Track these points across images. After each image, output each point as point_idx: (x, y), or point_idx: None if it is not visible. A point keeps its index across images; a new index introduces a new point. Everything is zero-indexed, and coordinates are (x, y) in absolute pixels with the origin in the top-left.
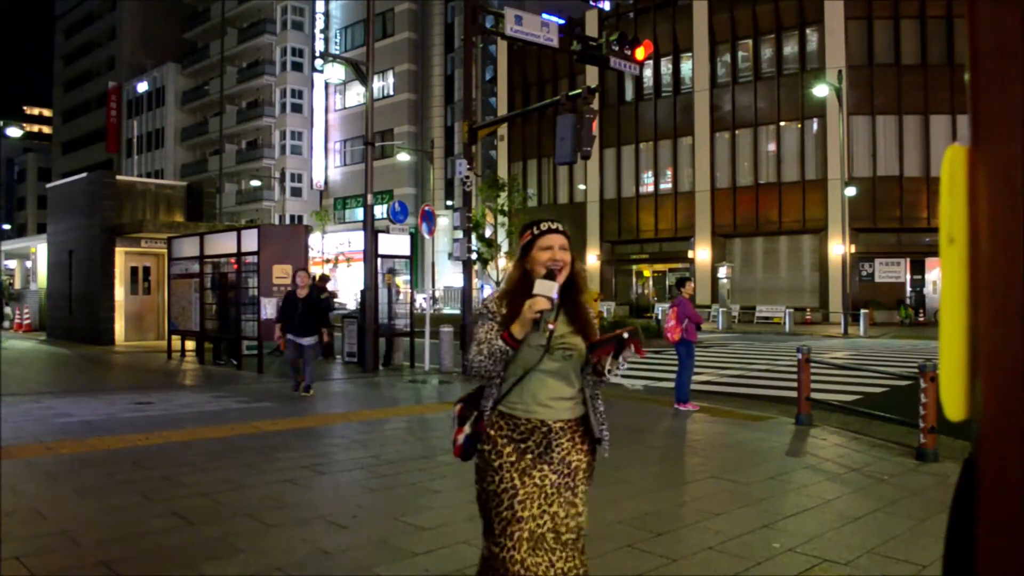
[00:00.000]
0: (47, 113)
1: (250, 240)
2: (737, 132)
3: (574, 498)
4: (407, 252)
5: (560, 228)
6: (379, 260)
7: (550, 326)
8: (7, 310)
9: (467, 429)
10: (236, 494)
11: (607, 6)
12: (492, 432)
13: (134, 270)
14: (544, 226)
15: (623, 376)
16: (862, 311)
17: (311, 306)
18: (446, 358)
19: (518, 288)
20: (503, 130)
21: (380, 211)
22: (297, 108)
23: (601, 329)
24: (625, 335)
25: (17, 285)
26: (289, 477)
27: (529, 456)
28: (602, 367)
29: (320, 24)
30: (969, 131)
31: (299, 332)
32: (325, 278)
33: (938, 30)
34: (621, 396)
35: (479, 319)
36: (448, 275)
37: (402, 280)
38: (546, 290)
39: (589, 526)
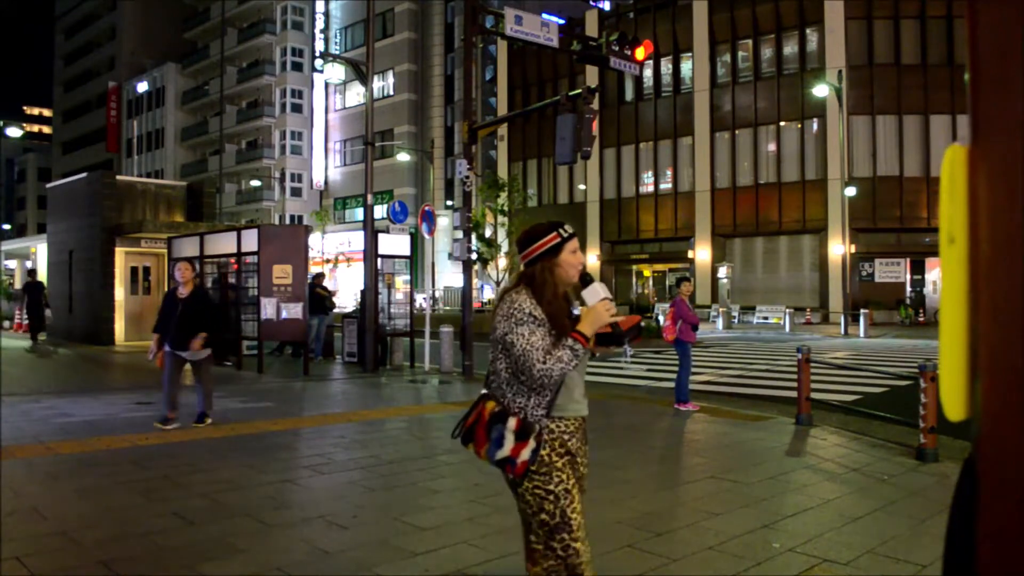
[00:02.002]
0: (47, 113)
1: (250, 240)
2: (737, 132)
3: (583, 483)
4: (407, 252)
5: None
6: (379, 260)
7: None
8: (48, 312)
9: (533, 443)
10: (236, 494)
11: (607, 6)
12: (548, 437)
13: (134, 270)
14: (570, 229)
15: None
16: (862, 311)
17: (194, 308)
18: (446, 358)
19: (555, 290)
20: (503, 130)
21: (380, 211)
22: (297, 108)
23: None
24: (642, 323)
25: (17, 285)
26: (289, 477)
27: (568, 456)
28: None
29: (320, 24)
30: (969, 131)
31: (176, 342)
32: (321, 276)
33: (938, 30)
34: (621, 396)
35: (518, 325)
36: (448, 275)
37: (402, 280)
38: (606, 292)
39: (588, 525)
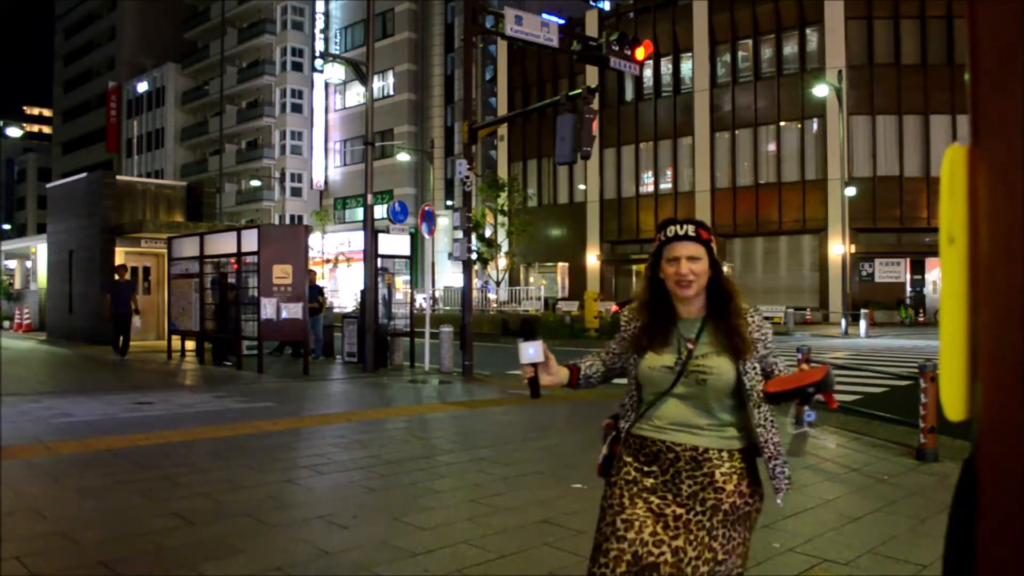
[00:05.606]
0: (47, 113)
1: (250, 240)
2: (737, 132)
3: (711, 541)
4: (407, 252)
5: (690, 233)
6: (379, 260)
7: (688, 345)
8: (137, 320)
9: (604, 450)
10: (236, 494)
11: (607, 6)
12: (621, 450)
13: (134, 270)
14: (671, 231)
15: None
16: (862, 311)
17: None
18: (446, 358)
19: (646, 301)
20: (503, 130)
21: (380, 211)
22: (297, 108)
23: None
24: (811, 390)
25: (17, 285)
26: (289, 477)
27: (651, 480)
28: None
29: (320, 24)
30: (969, 131)
31: None
32: (312, 274)
33: (938, 30)
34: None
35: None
36: (448, 275)
37: (402, 280)
38: (527, 357)
39: (586, 524)
